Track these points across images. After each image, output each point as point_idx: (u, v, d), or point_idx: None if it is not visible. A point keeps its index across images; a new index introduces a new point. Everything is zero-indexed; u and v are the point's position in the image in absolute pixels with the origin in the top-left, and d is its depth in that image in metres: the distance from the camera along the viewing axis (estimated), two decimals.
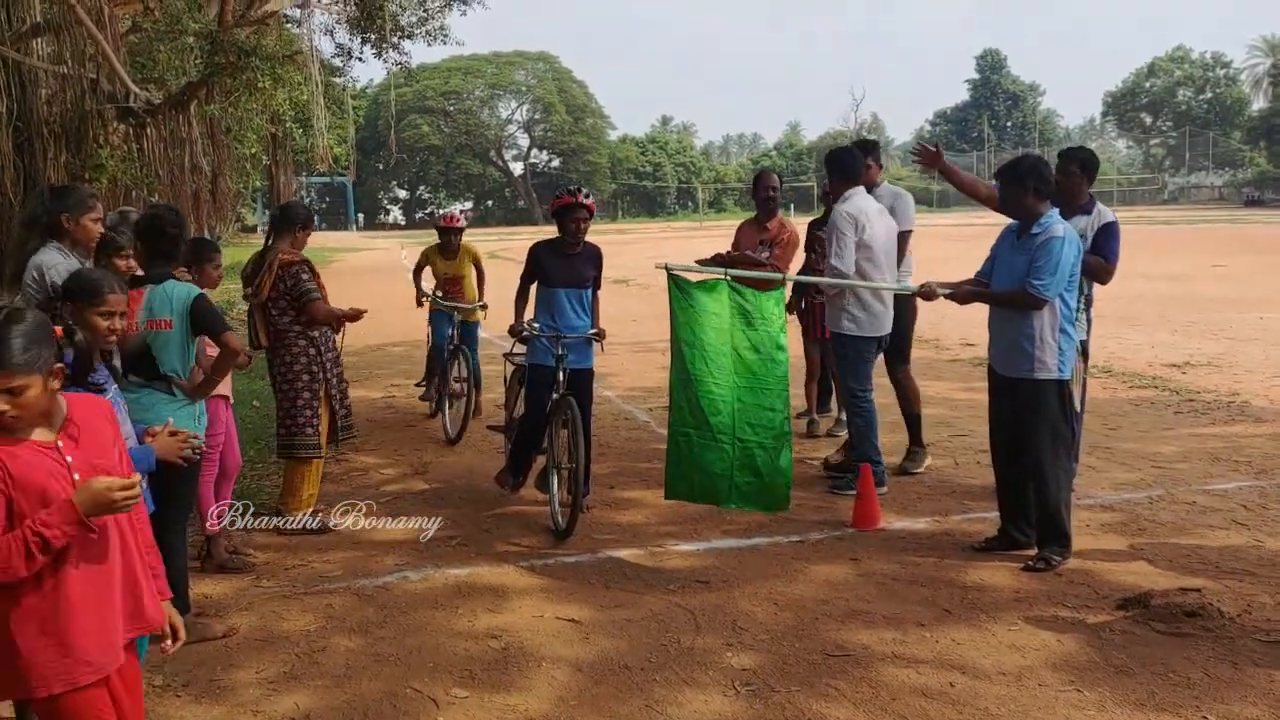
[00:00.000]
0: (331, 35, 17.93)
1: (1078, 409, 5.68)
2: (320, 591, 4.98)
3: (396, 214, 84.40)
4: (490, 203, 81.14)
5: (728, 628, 4.44)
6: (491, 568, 5.26)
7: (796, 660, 4.11)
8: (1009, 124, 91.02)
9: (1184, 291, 17.28)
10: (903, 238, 6.65)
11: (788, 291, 6.66)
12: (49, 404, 2.47)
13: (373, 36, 15.93)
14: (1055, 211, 5.15)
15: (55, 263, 4.50)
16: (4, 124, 9.63)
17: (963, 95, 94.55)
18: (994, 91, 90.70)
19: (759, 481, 5.30)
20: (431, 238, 9.33)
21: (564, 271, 5.97)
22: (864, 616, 4.52)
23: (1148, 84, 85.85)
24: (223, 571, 5.22)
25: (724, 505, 5.47)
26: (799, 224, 7.79)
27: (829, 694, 3.82)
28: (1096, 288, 5.89)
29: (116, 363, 4.04)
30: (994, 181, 5.52)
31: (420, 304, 9.09)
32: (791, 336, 5.71)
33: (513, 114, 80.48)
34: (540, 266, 5.99)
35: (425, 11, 16.57)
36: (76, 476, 2.46)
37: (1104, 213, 5.83)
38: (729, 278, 5.51)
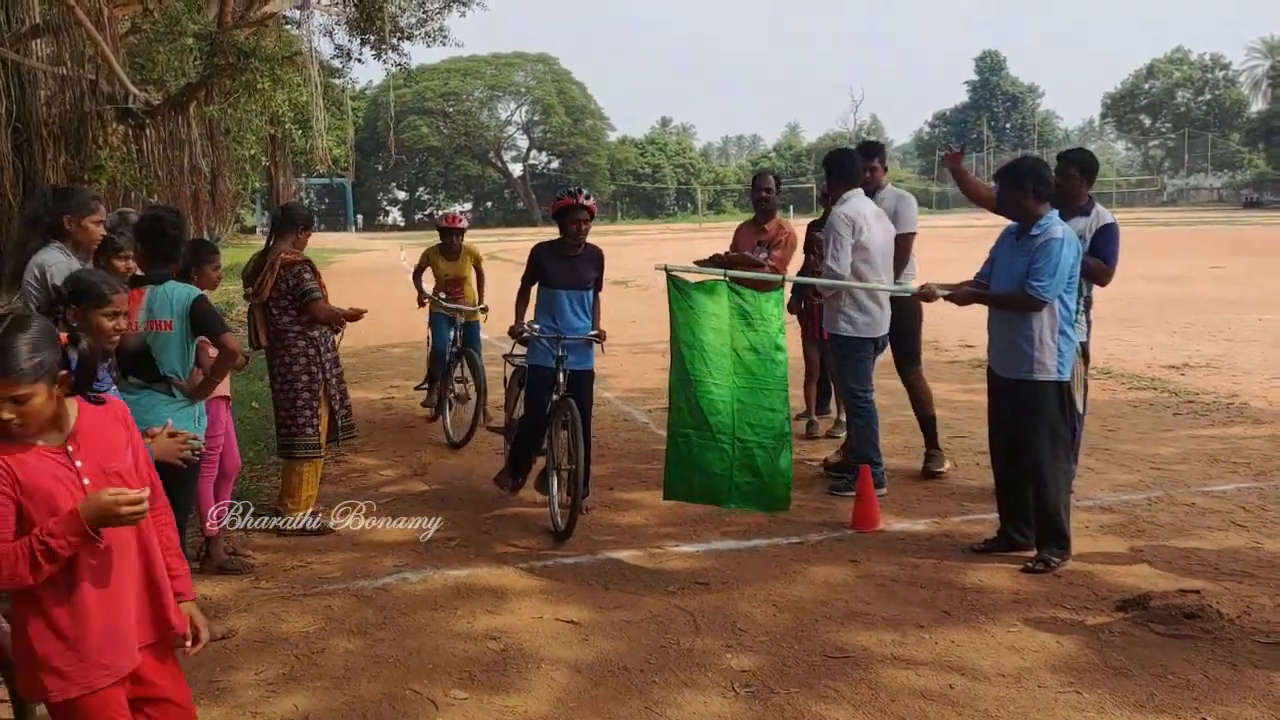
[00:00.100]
0: (331, 36, 17.93)
1: (1080, 410, 5.69)
2: (319, 593, 4.98)
3: (396, 215, 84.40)
4: (489, 204, 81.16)
5: (727, 629, 4.44)
6: (491, 569, 5.27)
7: (796, 662, 4.11)
8: (1008, 125, 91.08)
9: (1183, 293, 17.28)
10: (906, 240, 6.66)
11: (787, 292, 6.66)
12: (55, 410, 2.46)
13: (372, 38, 15.90)
14: (1054, 213, 5.15)
15: (57, 262, 4.51)
16: (3, 125, 9.61)
17: (962, 96, 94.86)
18: (993, 93, 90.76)
19: (759, 481, 5.30)
20: (431, 239, 9.32)
21: (565, 273, 5.97)
22: (863, 618, 4.53)
23: (1147, 85, 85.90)
24: (222, 573, 5.23)
25: (724, 505, 5.47)
26: (798, 225, 7.79)
27: (828, 695, 3.82)
28: (1096, 289, 5.89)
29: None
30: (993, 183, 5.53)
31: (421, 304, 9.09)
32: (791, 337, 5.72)
33: (512, 115, 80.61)
34: (541, 268, 5.99)
35: (424, 13, 16.57)
36: (86, 482, 2.45)
37: (1103, 214, 5.83)
38: (728, 279, 5.52)
